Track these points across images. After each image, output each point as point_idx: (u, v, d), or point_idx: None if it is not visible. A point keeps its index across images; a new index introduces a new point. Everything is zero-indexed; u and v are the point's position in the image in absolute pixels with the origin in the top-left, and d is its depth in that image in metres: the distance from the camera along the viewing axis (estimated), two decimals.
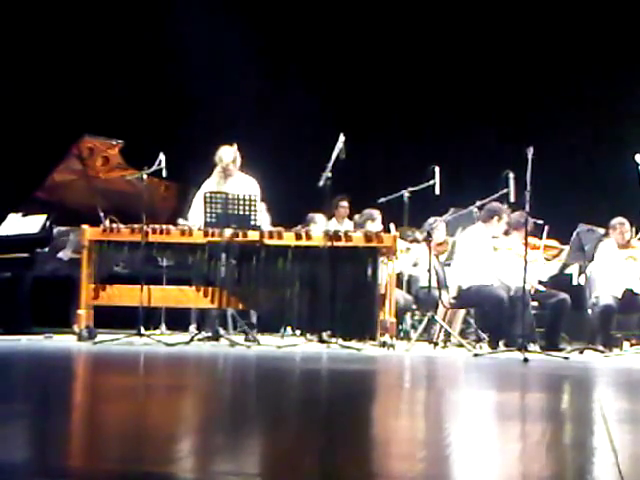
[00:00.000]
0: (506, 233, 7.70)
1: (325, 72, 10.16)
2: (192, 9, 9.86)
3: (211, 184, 7.53)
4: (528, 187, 6.51)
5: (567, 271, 8.03)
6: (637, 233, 7.96)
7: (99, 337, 7.08)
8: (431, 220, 8.06)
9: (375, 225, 7.93)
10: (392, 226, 8.13)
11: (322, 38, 10.21)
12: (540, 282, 7.69)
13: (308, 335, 7.44)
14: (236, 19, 9.92)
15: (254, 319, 7.87)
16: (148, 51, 10.07)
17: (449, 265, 7.84)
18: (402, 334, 8.20)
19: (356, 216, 8.54)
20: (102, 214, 7.70)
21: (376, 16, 10.22)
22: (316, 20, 10.18)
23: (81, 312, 7.12)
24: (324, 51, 10.21)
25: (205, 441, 2.56)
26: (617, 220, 7.88)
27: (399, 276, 8.07)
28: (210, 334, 7.03)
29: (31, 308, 7.73)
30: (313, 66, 10.16)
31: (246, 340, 7.25)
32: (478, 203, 7.73)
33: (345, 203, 9.27)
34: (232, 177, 7.54)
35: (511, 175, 6.98)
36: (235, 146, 7.51)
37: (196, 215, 7.38)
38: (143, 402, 3.48)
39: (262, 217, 7.47)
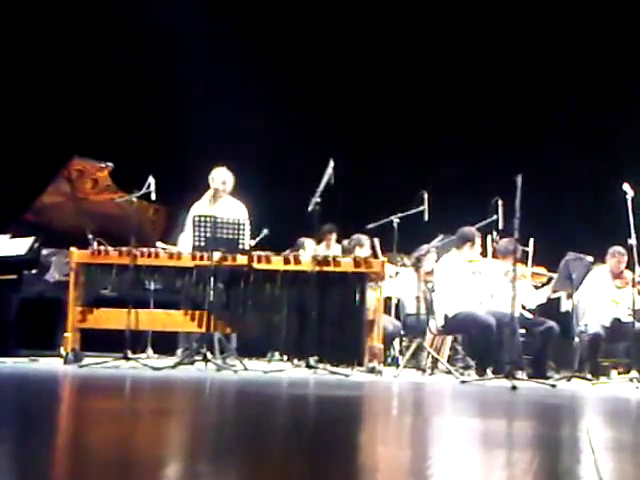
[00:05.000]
0: (488, 255, 7.68)
1: (315, 97, 10.20)
2: (184, 34, 9.89)
3: (201, 205, 7.57)
4: (517, 214, 6.52)
5: (555, 295, 8.01)
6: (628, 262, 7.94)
7: (85, 360, 7.04)
8: (424, 247, 8.05)
9: (363, 251, 7.93)
10: (377, 242, 8.10)
11: (313, 63, 10.26)
12: (526, 309, 7.69)
13: (295, 360, 7.41)
14: (226, 46, 9.97)
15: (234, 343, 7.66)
16: (139, 76, 10.09)
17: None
18: (390, 360, 8.18)
19: (344, 241, 8.52)
20: (90, 236, 7.67)
21: (365, 41, 10.27)
22: (307, 45, 10.23)
23: (68, 335, 7.08)
24: (315, 76, 10.26)
25: (189, 467, 2.54)
26: (616, 248, 7.85)
27: (387, 302, 8.05)
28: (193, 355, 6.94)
29: (17, 330, 7.68)
30: (303, 91, 10.19)
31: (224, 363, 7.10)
32: None
33: (333, 235, 8.88)
34: (222, 199, 7.55)
35: (500, 202, 7.01)
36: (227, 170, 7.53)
37: (188, 238, 7.36)
38: (128, 427, 3.45)
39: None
